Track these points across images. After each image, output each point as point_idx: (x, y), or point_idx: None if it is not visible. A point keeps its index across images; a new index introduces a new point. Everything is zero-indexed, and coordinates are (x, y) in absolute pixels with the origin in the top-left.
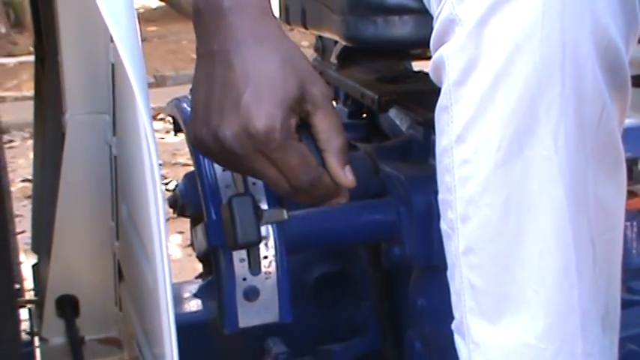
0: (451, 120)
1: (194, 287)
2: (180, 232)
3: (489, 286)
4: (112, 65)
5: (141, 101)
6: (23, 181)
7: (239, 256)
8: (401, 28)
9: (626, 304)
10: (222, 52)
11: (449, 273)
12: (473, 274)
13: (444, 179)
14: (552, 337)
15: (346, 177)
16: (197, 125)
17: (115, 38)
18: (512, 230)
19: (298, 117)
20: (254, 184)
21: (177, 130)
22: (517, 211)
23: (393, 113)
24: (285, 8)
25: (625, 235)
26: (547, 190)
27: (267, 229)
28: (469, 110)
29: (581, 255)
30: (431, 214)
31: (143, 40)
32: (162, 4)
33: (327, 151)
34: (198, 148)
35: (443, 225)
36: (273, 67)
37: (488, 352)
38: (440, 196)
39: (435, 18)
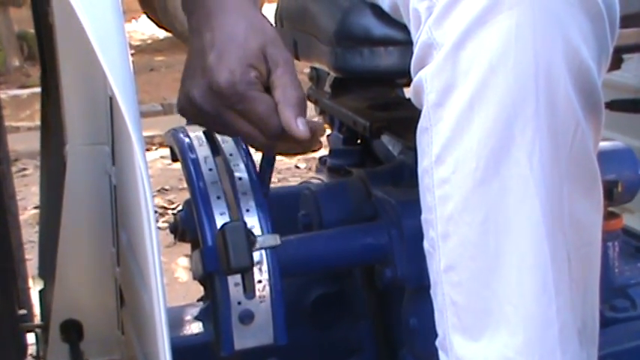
0: (431, 141)
1: (195, 310)
2: (187, 255)
3: (470, 302)
4: (110, 98)
5: (134, 137)
6: (35, 207)
7: (234, 280)
8: (386, 58)
9: (609, 322)
10: (198, 25)
11: (432, 291)
12: (454, 291)
13: (425, 199)
14: (531, 351)
15: (298, 128)
16: (179, 93)
17: (108, 75)
18: (491, 248)
19: (262, 73)
20: (248, 210)
21: (174, 159)
22: (495, 229)
23: (385, 139)
24: None
25: (607, 254)
26: (524, 207)
27: (260, 254)
28: (447, 131)
29: (557, 270)
30: (421, 237)
31: (151, 69)
32: (170, 34)
33: (280, 103)
34: (181, 114)
35: (425, 244)
36: (237, 31)
37: None
38: (422, 216)
39: (414, 43)
